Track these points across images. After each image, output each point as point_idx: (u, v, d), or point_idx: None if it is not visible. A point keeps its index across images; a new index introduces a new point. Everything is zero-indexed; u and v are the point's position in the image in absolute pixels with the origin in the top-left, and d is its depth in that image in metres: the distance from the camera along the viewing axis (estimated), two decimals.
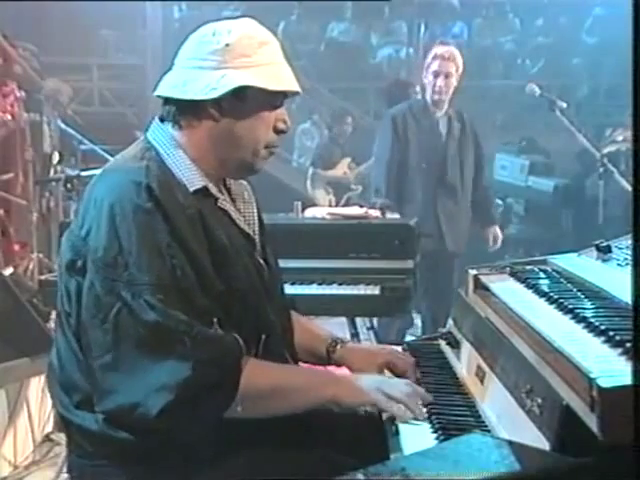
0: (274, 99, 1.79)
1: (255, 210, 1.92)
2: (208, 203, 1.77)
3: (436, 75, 4.44)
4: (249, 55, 1.74)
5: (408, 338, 4.25)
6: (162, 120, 1.81)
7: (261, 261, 1.88)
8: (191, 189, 1.74)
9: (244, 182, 1.95)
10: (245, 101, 1.75)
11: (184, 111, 1.77)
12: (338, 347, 2.04)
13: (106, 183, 1.73)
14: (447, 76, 4.43)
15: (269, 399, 1.72)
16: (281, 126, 1.81)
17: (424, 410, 1.74)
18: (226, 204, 1.82)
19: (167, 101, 1.80)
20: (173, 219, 1.66)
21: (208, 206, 1.76)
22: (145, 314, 1.60)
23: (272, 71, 1.77)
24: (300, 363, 2.02)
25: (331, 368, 2.08)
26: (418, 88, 5.60)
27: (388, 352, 2.08)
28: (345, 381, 1.79)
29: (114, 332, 1.61)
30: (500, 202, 7.08)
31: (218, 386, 1.63)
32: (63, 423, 1.80)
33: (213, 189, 1.79)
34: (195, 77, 1.74)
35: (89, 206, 1.71)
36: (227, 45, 1.73)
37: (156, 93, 1.80)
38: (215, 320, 1.67)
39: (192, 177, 1.75)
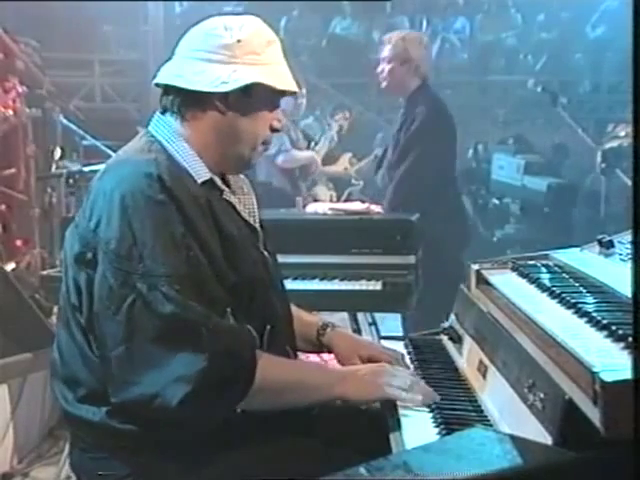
0: (276, 98, 1.83)
1: (255, 203, 1.93)
2: (214, 195, 1.79)
3: (380, 62, 4.29)
4: (258, 53, 1.77)
5: None
6: (163, 112, 1.82)
7: (265, 253, 1.90)
8: (199, 180, 1.76)
9: (242, 176, 1.96)
10: (251, 97, 1.77)
11: (189, 102, 1.78)
12: (328, 330, 2.06)
13: (115, 175, 1.73)
14: (384, 60, 4.24)
15: (281, 393, 1.73)
16: (276, 124, 1.85)
17: (434, 394, 1.76)
18: (231, 196, 1.84)
19: (168, 91, 1.80)
20: (186, 210, 1.67)
21: (215, 198, 1.78)
22: (161, 306, 1.60)
23: (278, 71, 1.80)
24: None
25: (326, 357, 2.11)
26: None
27: (374, 347, 2.08)
28: (351, 378, 1.79)
29: (127, 324, 1.61)
30: (497, 202, 7.07)
31: (234, 378, 1.64)
32: (66, 417, 1.81)
33: (218, 181, 1.81)
34: (202, 69, 1.74)
35: (97, 198, 1.70)
36: (239, 41, 1.75)
37: (158, 81, 1.80)
38: (228, 310, 1.69)
39: (199, 169, 1.77)
